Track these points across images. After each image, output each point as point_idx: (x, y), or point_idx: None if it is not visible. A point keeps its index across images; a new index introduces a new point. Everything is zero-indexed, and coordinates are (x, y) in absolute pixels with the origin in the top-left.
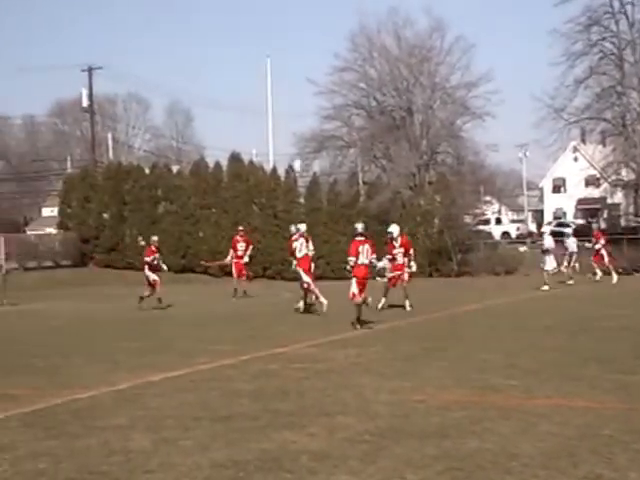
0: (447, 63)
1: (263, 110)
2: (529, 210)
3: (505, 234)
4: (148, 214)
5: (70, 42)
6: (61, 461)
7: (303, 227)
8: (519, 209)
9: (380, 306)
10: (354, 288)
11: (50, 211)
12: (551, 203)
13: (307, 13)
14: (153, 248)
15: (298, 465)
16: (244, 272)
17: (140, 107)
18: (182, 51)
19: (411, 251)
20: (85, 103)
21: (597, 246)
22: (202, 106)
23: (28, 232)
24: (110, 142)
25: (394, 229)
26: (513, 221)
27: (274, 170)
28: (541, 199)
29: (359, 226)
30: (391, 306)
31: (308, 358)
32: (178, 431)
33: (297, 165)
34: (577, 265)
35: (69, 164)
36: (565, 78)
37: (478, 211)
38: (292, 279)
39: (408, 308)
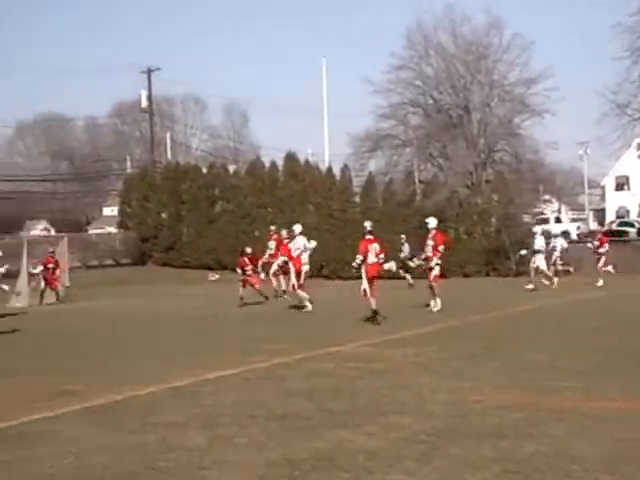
0: (505, 60)
1: (319, 110)
2: (590, 209)
3: (565, 233)
4: (205, 213)
5: (130, 44)
6: (121, 455)
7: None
8: (580, 208)
9: (436, 309)
10: (365, 285)
11: (111, 210)
12: (613, 201)
13: (363, 12)
14: (246, 260)
15: (354, 464)
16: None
17: (198, 107)
18: (239, 52)
19: (440, 248)
20: (144, 104)
21: (601, 250)
22: (259, 106)
23: (90, 231)
24: (168, 142)
25: (431, 220)
26: (573, 220)
27: (329, 169)
28: (603, 197)
29: (368, 225)
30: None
31: (363, 357)
32: (233, 429)
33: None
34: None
35: (129, 164)
36: (629, 73)
37: (537, 210)
38: (347, 277)
39: (435, 308)
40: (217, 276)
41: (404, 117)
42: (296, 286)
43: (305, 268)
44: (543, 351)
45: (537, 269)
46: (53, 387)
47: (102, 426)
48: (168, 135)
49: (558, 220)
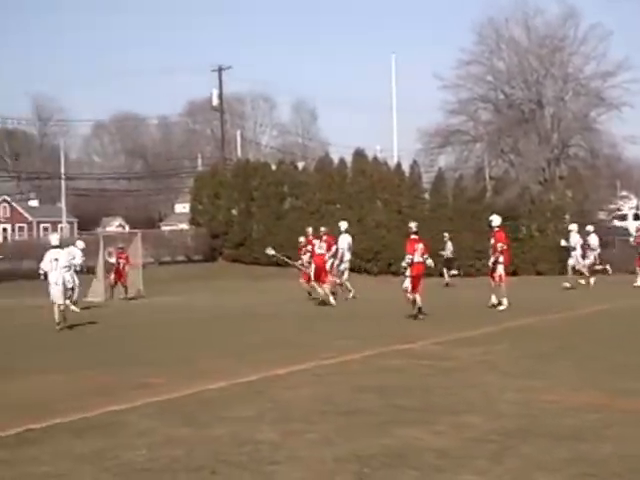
0: (581, 53)
1: (388, 106)
2: None
3: None
4: (274, 210)
5: (201, 43)
6: (194, 449)
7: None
8: None
9: (501, 308)
10: (407, 284)
11: (182, 207)
12: None
13: (432, 7)
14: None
15: (423, 462)
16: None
17: (267, 105)
18: (308, 49)
19: (498, 246)
20: (215, 102)
21: None
22: (328, 103)
23: (162, 228)
24: (239, 140)
25: (495, 218)
26: None
27: (398, 166)
28: None
29: (413, 225)
30: (494, 305)
31: (433, 355)
32: (304, 424)
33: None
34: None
35: (200, 162)
36: None
37: (613, 206)
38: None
39: (500, 307)
40: (273, 251)
41: (474, 113)
42: (315, 281)
43: (345, 265)
44: (616, 351)
45: (574, 268)
46: (129, 380)
47: (175, 419)
48: (238, 133)
49: (637, 217)
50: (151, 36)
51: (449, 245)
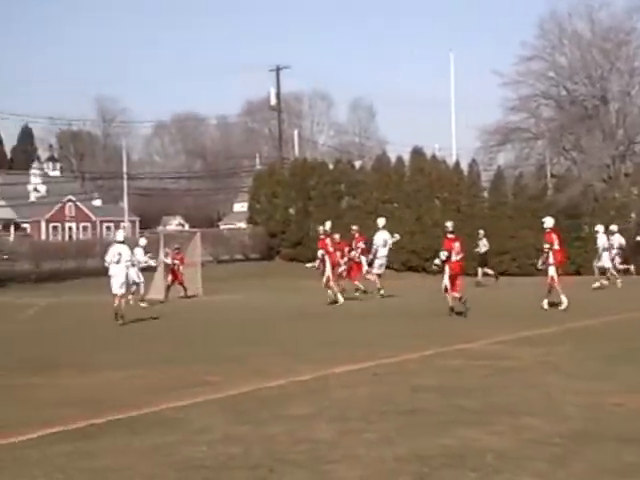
0: None
1: (446, 104)
2: None
3: None
4: (332, 209)
5: (259, 43)
6: (251, 446)
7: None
8: None
9: (562, 307)
10: (446, 281)
11: (241, 207)
12: None
13: (491, 2)
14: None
15: (483, 463)
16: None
17: (324, 104)
18: (365, 47)
19: (545, 246)
20: (273, 102)
21: None
22: (385, 101)
23: (221, 227)
24: (296, 139)
25: (547, 220)
26: None
27: (457, 164)
28: None
29: (449, 225)
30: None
31: (493, 355)
32: (362, 423)
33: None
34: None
35: (258, 161)
36: None
37: None
38: (474, 274)
39: (561, 307)
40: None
41: (535, 109)
42: (330, 280)
43: (381, 261)
44: None
45: (602, 268)
46: (188, 377)
47: (233, 417)
48: (296, 132)
49: None
50: (211, 37)
51: (484, 242)
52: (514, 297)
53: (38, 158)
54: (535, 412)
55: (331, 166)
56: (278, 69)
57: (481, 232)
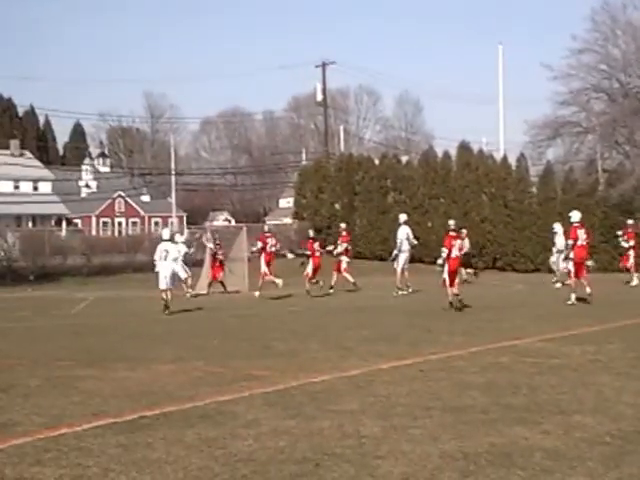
0: None
1: (494, 98)
2: None
3: None
4: (378, 204)
5: (305, 39)
6: (298, 440)
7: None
8: None
9: (569, 302)
10: (445, 276)
11: (286, 202)
12: None
13: None
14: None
15: (531, 462)
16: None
17: (370, 99)
18: (411, 41)
19: (568, 242)
20: (319, 97)
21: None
22: (432, 96)
23: (267, 222)
24: (342, 134)
25: (573, 214)
26: None
27: (505, 159)
28: None
29: (452, 223)
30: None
31: (541, 352)
32: (408, 419)
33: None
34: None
35: (304, 156)
36: None
37: None
38: (523, 270)
39: (568, 302)
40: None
41: (586, 103)
42: (308, 278)
43: (404, 256)
44: None
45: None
46: (236, 371)
47: (279, 411)
48: (342, 127)
49: None
50: (258, 33)
51: (466, 242)
52: (561, 294)
53: (89, 154)
54: (586, 411)
55: (377, 161)
56: (324, 64)
57: (464, 231)
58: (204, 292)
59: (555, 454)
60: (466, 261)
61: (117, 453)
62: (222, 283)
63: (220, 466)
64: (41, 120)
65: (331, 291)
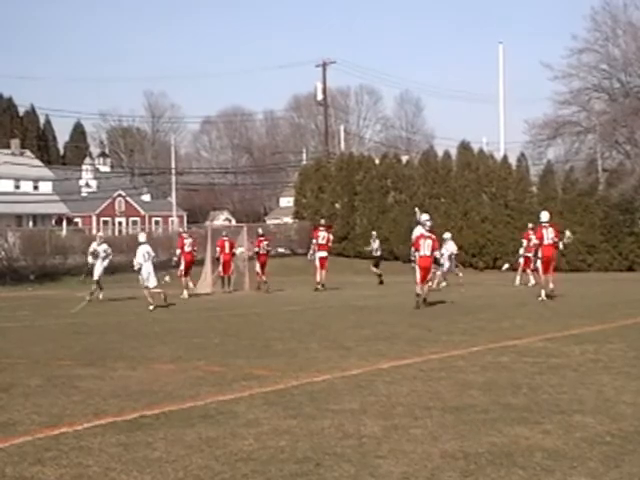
0: None
1: (494, 97)
2: None
3: None
4: (378, 204)
5: (305, 39)
6: (299, 440)
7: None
8: None
9: (539, 298)
10: (417, 275)
11: (287, 201)
12: None
13: None
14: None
15: (531, 462)
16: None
17: (371, 99)
18: (411, 41)
19: (536, 240)
20: (319, 97)
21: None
22: (432, 95)
23: (267, 221)
24: (342, 134)
25: (543, 215)
26: None
27: (505, 158)
28: None
29: (427, 223)
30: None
31: (541, 352)
32: (408, 419)
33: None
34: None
35: (304, 156)
36: None
37: None
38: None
39: (539, 298)
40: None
41: (587, 103)
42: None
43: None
44: None
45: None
46: (236, 371)
47: (280, 410)
48: (342, 127)
49: None
50: (259, 32)
51: (376, 243)
52: (561, 294)
53: (90, 154)
54: (586, 411)
55: (377, 161)
56: (324, 64)
57: (374, 233)
58: (207, 291)
59: (555, 454)
60: (376, 261)
61: (117, 452)
62: (224, 279)
63: (220, 465)
64: (42, 119)
65: (320, 287)
